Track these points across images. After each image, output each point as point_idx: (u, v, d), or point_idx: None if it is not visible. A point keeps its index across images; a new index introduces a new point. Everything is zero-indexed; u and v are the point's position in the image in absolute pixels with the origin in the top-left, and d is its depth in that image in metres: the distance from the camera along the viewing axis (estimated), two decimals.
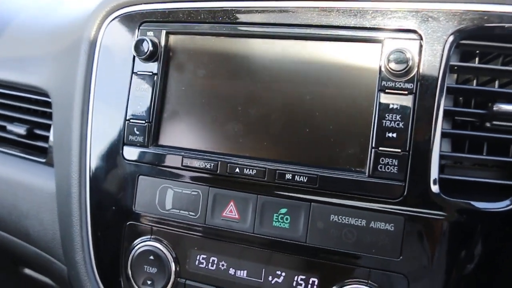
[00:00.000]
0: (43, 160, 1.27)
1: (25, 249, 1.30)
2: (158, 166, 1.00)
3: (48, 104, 1.28)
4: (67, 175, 1.10)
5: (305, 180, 0.89)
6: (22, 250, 1.31)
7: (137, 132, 1.01)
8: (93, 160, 1.06)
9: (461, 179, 0.85)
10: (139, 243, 1.01)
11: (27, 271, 1.57)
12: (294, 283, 0.91)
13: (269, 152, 0.93)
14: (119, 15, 1.06)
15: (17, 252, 1.32)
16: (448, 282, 0.85)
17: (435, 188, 0.84)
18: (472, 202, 0.83)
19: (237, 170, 0.93)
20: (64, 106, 1.15)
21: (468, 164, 0.89)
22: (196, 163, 0.96)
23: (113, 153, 1.04)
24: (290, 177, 0.90)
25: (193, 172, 0.97)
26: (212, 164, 0.95)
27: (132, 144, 1.02)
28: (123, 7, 1.06)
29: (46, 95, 1.25)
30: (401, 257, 0.85)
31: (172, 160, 0.98)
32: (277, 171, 0.91)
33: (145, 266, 1.00)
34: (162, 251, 0.99)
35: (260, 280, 0.93)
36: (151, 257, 1.00)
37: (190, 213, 0.97)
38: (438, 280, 0.85)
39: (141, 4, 1.04)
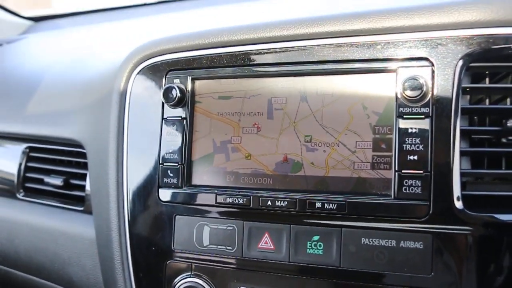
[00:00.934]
0: (81, 208, 1.33)
1: None
2: (193, 205, 1.05)
3: (81, 155, 1.35)
4: (106, 220, 1.15)
5: (334, 207, 0.94)
6: None
7: (171, 174, 1.07)
8: (131, 204, 1.12)
9: (483, 194, 0.89)
10: (180, 280, 1.06)
11: None
12: None
13: (298, 183, 0.98)
14: (146, 65, 1.13)
15: None
16: None
17: (458, 205, 0.88)
18: (496, 215, 0.87)
19: (269, 202, 0.98)
20: (98, 155, 1.21)
21: (488, 180, 0.93)
22: (229, 200, 1.01)
23: (149, 196, 1.10)
24: (320, 205, 0.95)
25: (227, 208, 1.02)
26: (244, 199, 1.00)
27: (167, 186, 1.08)
28: (150, 58, 1.13)
29: (80, 146, 1.32)
30: (432, 273, 0.89)
31: (206, 199, 1.04)
32: (307, 201, 0.96)
33: None
34: (203, 286, 1.03)
35: None
36: None
37: (227, 247, 1.02)
38: None
39: (166, 54, 1.11)
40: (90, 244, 1.25)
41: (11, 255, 1.42)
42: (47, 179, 1.40)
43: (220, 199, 1.02)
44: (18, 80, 1.65)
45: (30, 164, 1.47)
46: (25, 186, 1.47)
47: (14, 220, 1.43)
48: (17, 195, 1.47)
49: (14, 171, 1.48)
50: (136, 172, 1.13)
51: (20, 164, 1.47)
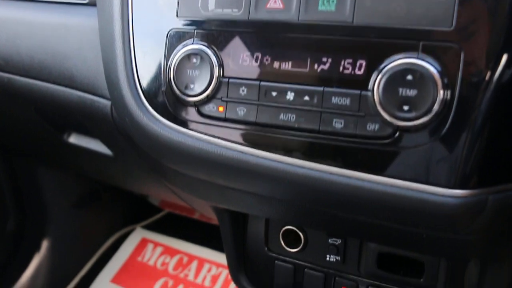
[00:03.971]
0: (86, 1, 1.27)
1: (69, 97, 1.31)
2: None
3: None
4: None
5: None
6: (66, 97, 1.32)
7: None
8: None
9: None
10: (182, 48, 0.99)
11: (72, 139, 1.58)
12: (341, 68, 0.88)
13: None
14: None
15: (61, 101, 1.33)
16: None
17: None
18: None
19: None
20: None
21: None
22: None
23: None
24: None
25: None
26: None
27: None
28: None
29: None
30: (453, 26, 0.81)
31: None
32: None
33: (188, 70, 0.99)
34: (205, 52, 0.97)
35: (305, 70, 0.91)
36: (194, 60, 0.98)
37: (233, 9, 0.95)
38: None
39: None
40: (92, 34, 1.20)
41: (14, 56, 1.38)
42: None
43: None
44: None
45: None
46: None
47: (16, 21, 1.38)
48: None
49: None
50: None
51: None
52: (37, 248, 2.46)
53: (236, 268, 1.43)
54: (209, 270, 2.52)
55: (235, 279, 1.45)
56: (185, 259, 2.60)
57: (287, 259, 1.33)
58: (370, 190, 0.87)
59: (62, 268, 2.54)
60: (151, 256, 2.64)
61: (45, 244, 2.46)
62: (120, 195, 2.72)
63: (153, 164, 1.27)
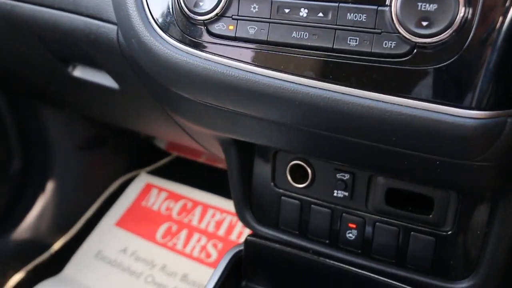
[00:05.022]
0: None
1: (74, 22, 1.27)
2: None
3: None
4: None
5: None
6: (70, 24, 1.28)
7: None
8: None
9: None
10: None
11: (77, 73, 1.55)
12: None
13: None
14: None
15: (66, 28, 1.29)
16: None
17: None
18: None
19: None
20: None
21: None
22: None
23: None
24: None
25: None
26: None
27: None
28: None
29: None
30: None
31: None
32: None
33: None
34: None
35: None
36: None
37: None
38: None
39: None
40: None
41: None
42: None
43: None
44: None
45: None
46: None
47: None
48: None
49: None
50: None
51: None
52: (42, 189, 2.45)
53: (242, 205, 1.41)
54: (213, 216, 2.52)
55: (241, 216, 1.43)
56: (189, 204, 2.59)
57: (294, 195, 1.31)
58: (384, 111, 0.84)
59: (67, 210, 2.55)
60: (155, 201, 2.64)
61: (50, 186, 2.46)
62: (127, 140, 2.70)
63: (159, 93, 1.24)
